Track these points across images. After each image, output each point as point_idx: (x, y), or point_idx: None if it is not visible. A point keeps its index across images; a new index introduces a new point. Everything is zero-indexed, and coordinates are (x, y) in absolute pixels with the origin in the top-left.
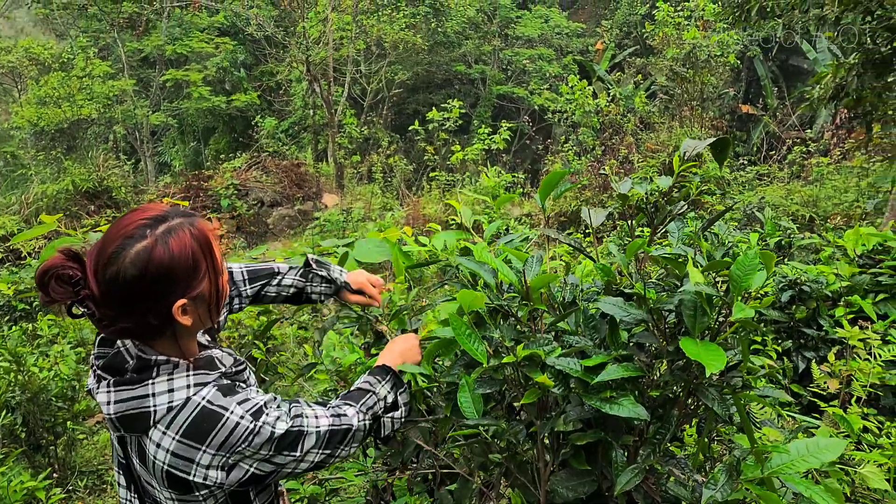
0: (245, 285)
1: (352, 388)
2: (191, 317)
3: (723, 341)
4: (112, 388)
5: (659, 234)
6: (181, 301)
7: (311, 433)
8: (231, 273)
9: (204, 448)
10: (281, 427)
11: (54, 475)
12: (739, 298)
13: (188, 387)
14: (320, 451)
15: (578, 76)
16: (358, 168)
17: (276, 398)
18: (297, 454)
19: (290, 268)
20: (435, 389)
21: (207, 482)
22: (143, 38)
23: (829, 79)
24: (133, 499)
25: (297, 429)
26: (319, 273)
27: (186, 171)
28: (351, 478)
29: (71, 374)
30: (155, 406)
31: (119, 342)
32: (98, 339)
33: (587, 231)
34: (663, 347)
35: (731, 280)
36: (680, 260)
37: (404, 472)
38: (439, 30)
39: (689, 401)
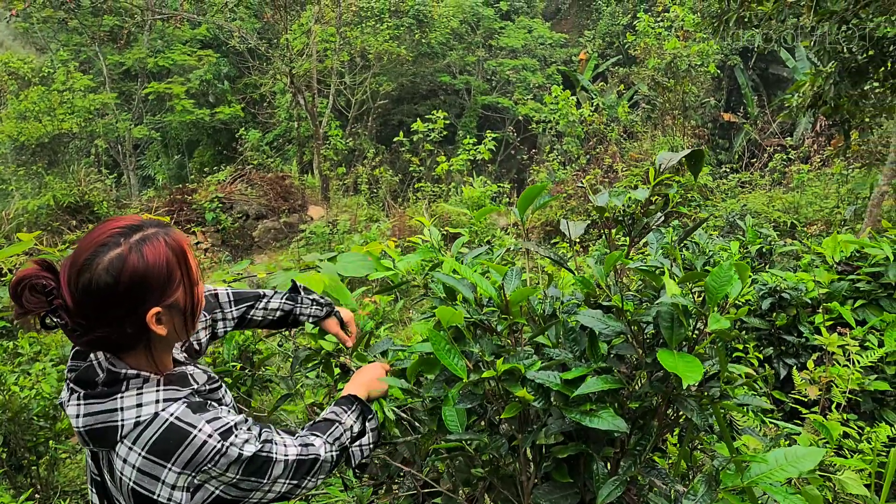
0: (230, 307)
1: (318, 419)
2: (165, 326)
3: (700, 352)
4: (82, 402)
5: (638, 246)
6: (155, 309)
7: (279, 461)
8: (216, 295)
9: (170, 466)
10: (249, 450)
11: (36, 496)
12: (715, 309)
13: (157, 402)
14: (287, 482)
15: (562, 86)
16: (343, 180)
17: (247, 420)
18: (264, 481)
19: (276, 292)
20: (419, 404)
21: (172, 502)
22: (125, 51)
23: (807, 87)
24: None
25: (265, 454)
26: (309, 297)
27: (170, 184)
28: (336, 493)
29: (52, 392)
30: (123, 420)
31: (91, 355)
32: (72, 352)
33: (572, 242)
34: (642, 359)
35: (706, 291)
36: (657, 272)
37: (391, 486)
38: (423, 41)
39: (669, 411)
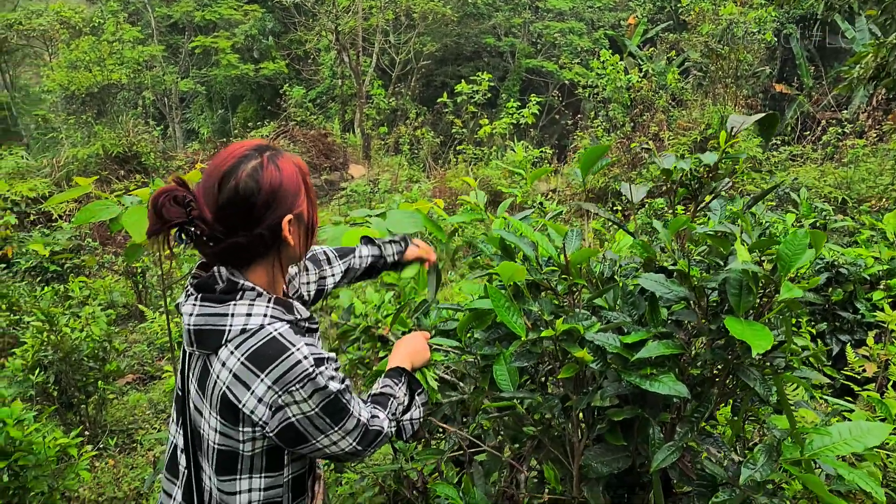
0: (336, 261)
1: (374, 393)
2: (293, 237)
3: (766, 321)
4: (197, 303)
5: (697, 213)
6: (289, 216)
7: (353, 415)
8: (325, 252)
9: (262, 377)
10: (334, 386)
11: (86, 433)
12: (787, 278)
13: (265, 315)
14: (353, 444)
15: (610, 51)
16: (385, 139)
17: (336, 360)
18: (336, 428)
19: (360, 245)
20: (469, 362)
21: (254, 416)
22: (173, 4)
23: (869, 58)
24: (178, 434)
25: (344, 400)
26: (384, 240)
27: (214, 138)
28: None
29: (102, 335)
30: (231, 325)
31: (214, 268)
32: (199, 263)
33: (615, 208)
34: (704, 326)
35: (779, 259)
36: (725, 238)
37: (430, 442)
38: (469, 1)
39: (728, 380)
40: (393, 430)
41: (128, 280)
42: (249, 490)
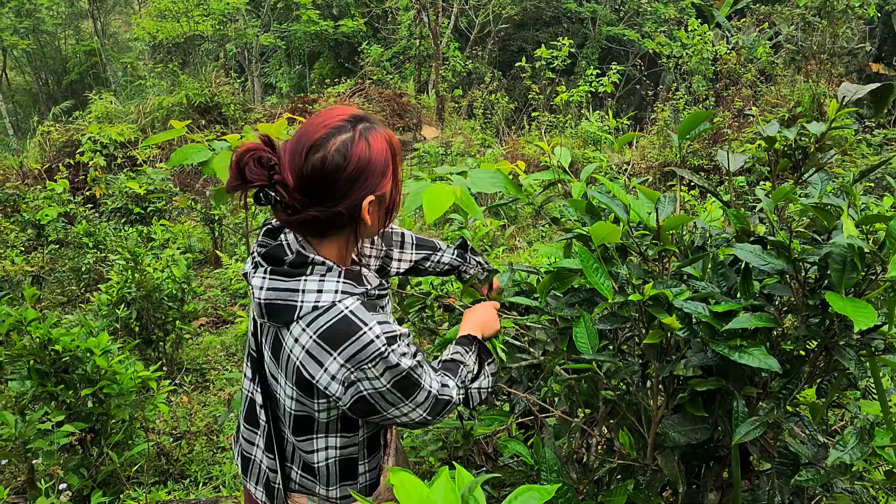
0: (412, 248)
1: (445, 359)
2: (371, 217)
3: (868, 300)
4: (267, 276)
5: (799, 185)
6: (371, 196)
7: (424, 389)
8: (402, 234)
9: (335, 355)
10: (406, 363)
11: (164, 368)
12: None
13: (336, 292)
14: (423, 414)
15: (698, 20)
16: (459, 102)
17: (409, 335)
18: (407, 401)
19: (448, 247)
20: (547, 324)
21: (328, 392)
22: None
23: None
24: (256, 391)
25: (416, 376)
26: (476, 258)
27: (292, 93)
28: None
29: (181, 276)
30: (302, 302)
31: (283, 236)
32: (264, 228)
33: (691, 184)
34: (800, 301)
35: (888, 236)
36: (830, 211)
37: (495, 402)
38: None
39: (819, 359)
40: (461, 397)
41: (205, 227)
42: (326, 448)
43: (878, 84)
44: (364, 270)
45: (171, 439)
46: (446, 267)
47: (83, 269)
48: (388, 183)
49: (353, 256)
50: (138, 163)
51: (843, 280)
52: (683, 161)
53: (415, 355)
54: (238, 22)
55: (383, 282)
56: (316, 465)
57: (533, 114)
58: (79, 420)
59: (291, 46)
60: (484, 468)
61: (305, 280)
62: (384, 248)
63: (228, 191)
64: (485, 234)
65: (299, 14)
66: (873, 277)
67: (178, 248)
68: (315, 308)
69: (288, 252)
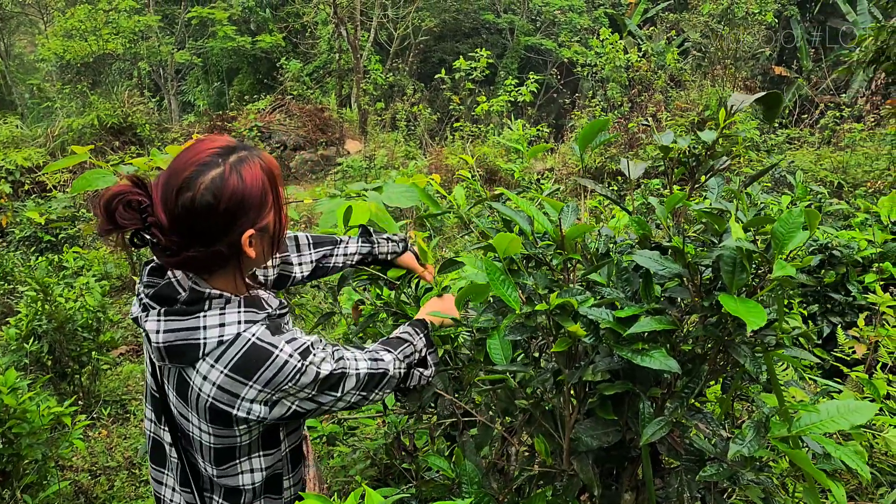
0: (309, 249)
1: (391, 336)
2: (255, 250)
3: (759, 299)
4: (162, 318)
5: (694, 191)
6: (250, 231)
7: (351, 375)
8: (295, 237)
9: (251, 383)
10: (326, 368)
11: (79, 402)
12: (781, 256)
13: (239, 322)
14: (357, 393)
15: (610, 30)
16: (382, 115)
17: (321, 340)
18: (338, 394)
19: (350, 238)
20: (466, 334)
21: (250, 417)
22: None
23: (869, 41)
24: (163, 432)
25: (339, 371)
26: (382, 236)
27: (210, 111)
28: (367, 421)
29: (96, 305)
30: (206, 339)
31: (169, 273)
32: (147, 269)
33: (611, 188)
34: (697, 303)
35: (773, 237)
36: (721, 215)
37: (422, 416)
38: None
39: (718, 357)
40: (401, 372)
41: (122, 251)
42: (252, 470)
43: (764, 93)
44: (261, 293)
45: (90, 476)
46: (356, 257)
47: None
48: (269, 213)
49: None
50: (48, 188)
51: (735, 281)
52: (602, 168)
53: (333, 354)
54: (151, 39)
55: (282, 301)
56: (242, 488)
57: (455, 124)
58: None
59: (209, 63)
60: (413, 483)
61: (205, 316)
62: (279, 257)
63: (100, 235)
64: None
65: (215, 30)
66: (762, 278)
67: (94, 276)
68: (220, 343)
69: (179, 290)
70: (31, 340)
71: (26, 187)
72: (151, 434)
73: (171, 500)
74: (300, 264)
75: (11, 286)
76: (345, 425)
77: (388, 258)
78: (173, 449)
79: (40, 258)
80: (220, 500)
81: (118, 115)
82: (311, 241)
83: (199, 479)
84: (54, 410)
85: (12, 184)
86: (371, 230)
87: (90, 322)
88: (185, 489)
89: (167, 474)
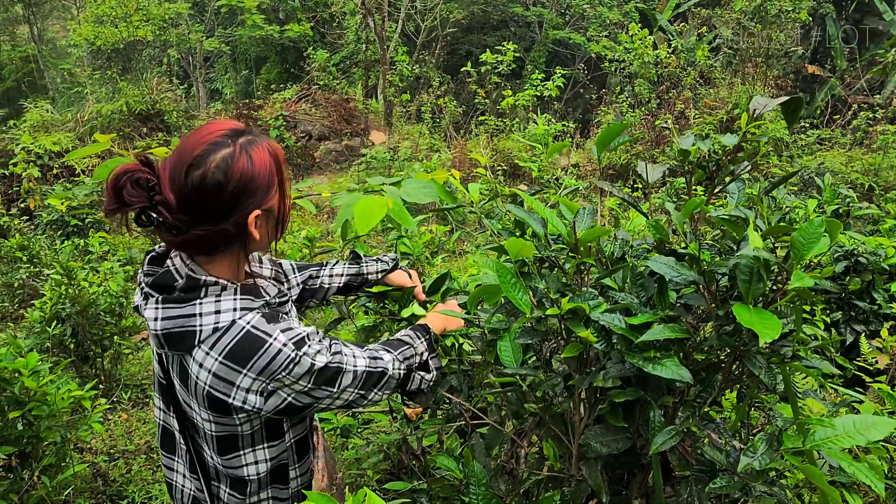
0: (294, 272)
1: (392, 338)
2: (260, 231)
3: (776, 309)
4: (160, 305)
5: (714, 195)
6: (256, 211)
7: (348, 371)
8: (280, 264)
9: (245, 371)
10: (321, 360)
11: (100, 386)
12: (800, 266)
13: (234, 310)
14: (355, 391)
15: (640, 24)
16: (407, 107)
17: (317, 332)
18: (334, 391)
19: (337, 261)
20: (478, 335)
21: (246, 406)
22: None
23: None
24: (171, 419)
25: (335, 365)
26: (371, 257)
27: (237, 99)
28: (381, 416)
29: (119, 290)
30: (201, 326)
31: (169, 262)
32: (148, 257)
33: (635, 186)
34: (712, 311)
35: (792, 247)
36: (739, 222)
37: (436, 413)
38: None
39: (734, 367)
40: (401, 373)
41: (147, 237)
42: (256, 462)
43: (786, 98)
44: (261, 281)
45: (108, 459)
46: (343, 279)
47: (16, 284)
48: (275, 196)
49: (249, 268)
50: (76, 172)
51: (751, 290)
52: (626, 165)
53: (330, 347)
54: (181, 27)
55: (282, 288)
56: (248, 479)
57: (480, 118)
58: (7, 444)
59: (237, 51)
60: (423, 480)
61: (201, 303)
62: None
63: (107, 214)
64: (429, 240)
65: (244, 19)
66: (780, 287)
67: (118, 261)
68: (215, 330)
69: (177, 277)
70: (54, 323)
71: (55, 171)
72: (161, 422)
73: (183, 486)
74: (288, 289)
75: (38, 269)
76: (359, 418)
77: (378, 276)
78: (181, 436)
79: (66, 242)
80: (227, 490)
81: (147, 101)
82: (294, 266)
83: (206, 467)
84: (74, 394)
85: (41, 168)
86: (361, 254)
87: (113, 306)
88: (193, 476)
89: (177, 461)
